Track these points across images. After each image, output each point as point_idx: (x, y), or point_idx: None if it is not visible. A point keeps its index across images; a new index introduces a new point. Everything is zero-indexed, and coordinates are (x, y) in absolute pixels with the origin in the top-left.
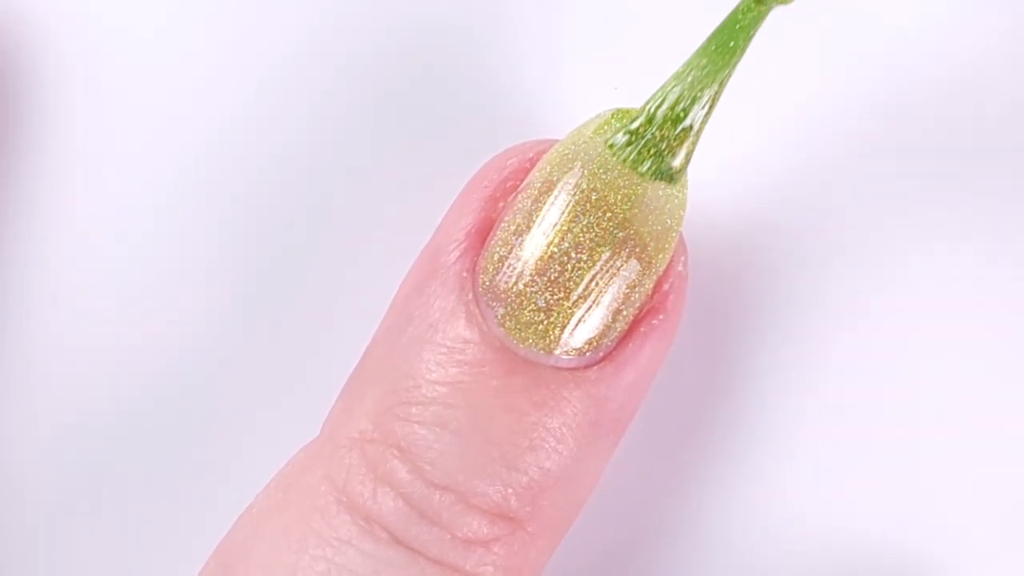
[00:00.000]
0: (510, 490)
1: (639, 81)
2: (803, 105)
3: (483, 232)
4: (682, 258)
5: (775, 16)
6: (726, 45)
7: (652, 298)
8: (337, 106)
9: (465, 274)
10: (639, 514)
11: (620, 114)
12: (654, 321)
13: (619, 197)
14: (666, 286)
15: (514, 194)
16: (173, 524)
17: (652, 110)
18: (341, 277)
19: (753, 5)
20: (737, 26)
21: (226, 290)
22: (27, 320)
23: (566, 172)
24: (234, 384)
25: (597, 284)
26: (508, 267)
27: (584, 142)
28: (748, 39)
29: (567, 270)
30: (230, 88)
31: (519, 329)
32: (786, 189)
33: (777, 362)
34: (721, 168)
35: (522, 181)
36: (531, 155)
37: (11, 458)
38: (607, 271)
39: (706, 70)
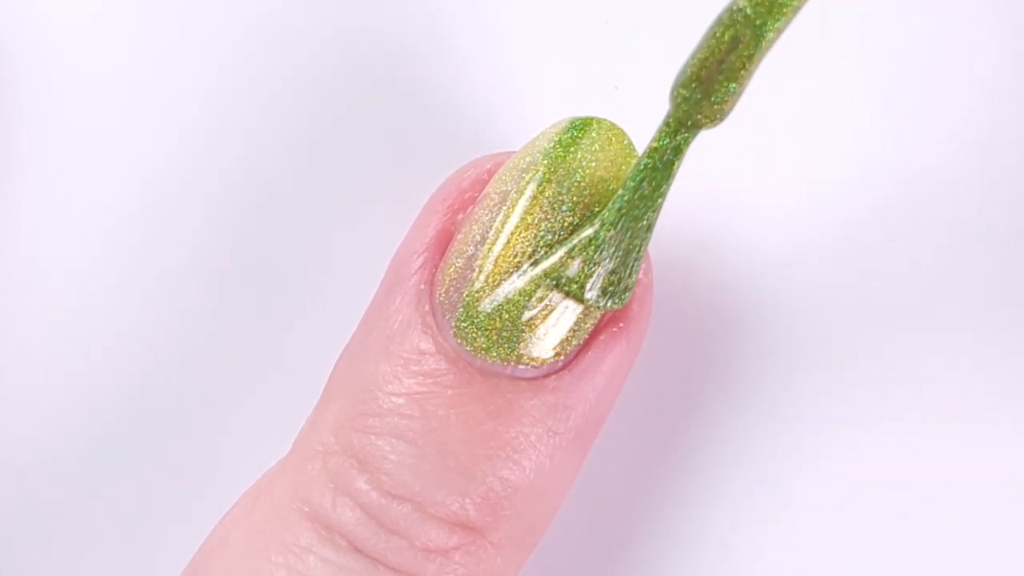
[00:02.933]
0: (467, 499)
1: (639, 81)
2: (768, 107)
3: (442, 244)
4: (643, 266)
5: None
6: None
7: None
8: (316, 113)
9: (423, 286)
10: (618, 520)
11: (577, 123)
12: (614, 329)
13: None
14: None
15: (471, 206)
16: (160, 527)
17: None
18: (330, 285)
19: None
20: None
21: (216, 296)
22: (11, 321)
23: (521, 183)
24: (223, 389)
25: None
26: (463, 278)
27: (539, 152)
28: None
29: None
30: (208, 96)
31: (475, 339)
32: (753, 193)
33: (754, 365)
34: (685, 174)
35: (480, 192)
36: (489, 166)
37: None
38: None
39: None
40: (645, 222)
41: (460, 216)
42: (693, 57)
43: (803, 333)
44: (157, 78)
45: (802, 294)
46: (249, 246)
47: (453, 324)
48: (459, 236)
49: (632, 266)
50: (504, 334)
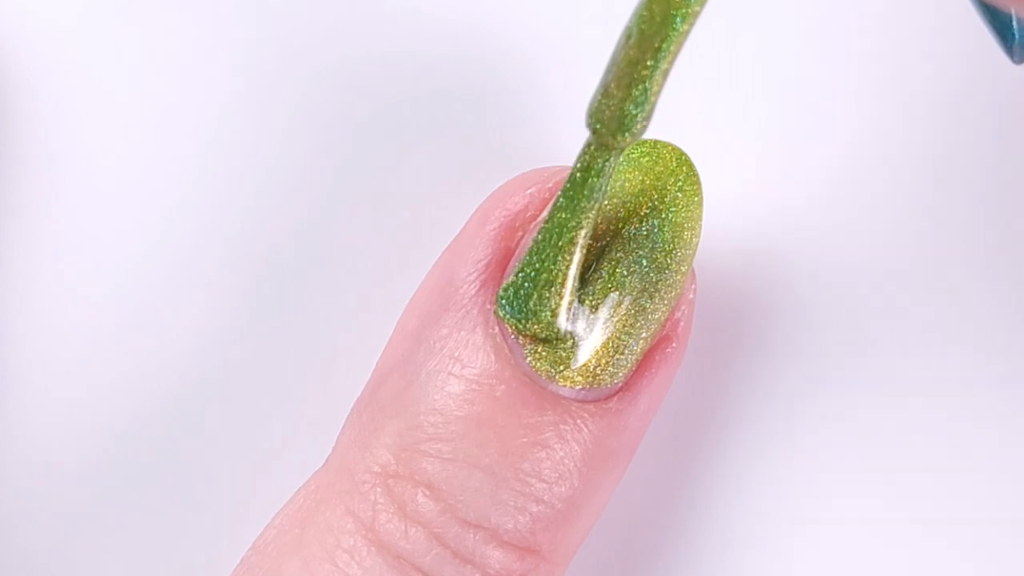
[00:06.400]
0: (539, 524)
1: None
2: (804, 127)
3: (502, 263)
4: (692, 286)
5: (776, 39)
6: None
7: (665, 326)
8: (335, 120)
9: (489, 306)
10: (640, 530)
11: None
12: (667, 350)
13: None
14: (678, 314)
15: (534, 224)
16: (173, 532)
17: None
18: (350, 288)
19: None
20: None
21: (233, 299)
22: (34, 324)
23: None
24: (237, 394)
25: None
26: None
27: None
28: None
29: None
30: (236, 96)
31: (548, 363)
32: (787, 212)
33: (780, 380)
34: (723, 194)
35: (542, 210)
36: (551, 184)
37: (15, 459)
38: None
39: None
40: (564, 238)
41: (520, 234)
42: (600, 87)
43: (818, 337)
44: (189, 88)
45: (819, 299)
46: (267, 256)
47: (527, 349)
48: (525, 258)
49: (543, 286)
50: (577, 359)
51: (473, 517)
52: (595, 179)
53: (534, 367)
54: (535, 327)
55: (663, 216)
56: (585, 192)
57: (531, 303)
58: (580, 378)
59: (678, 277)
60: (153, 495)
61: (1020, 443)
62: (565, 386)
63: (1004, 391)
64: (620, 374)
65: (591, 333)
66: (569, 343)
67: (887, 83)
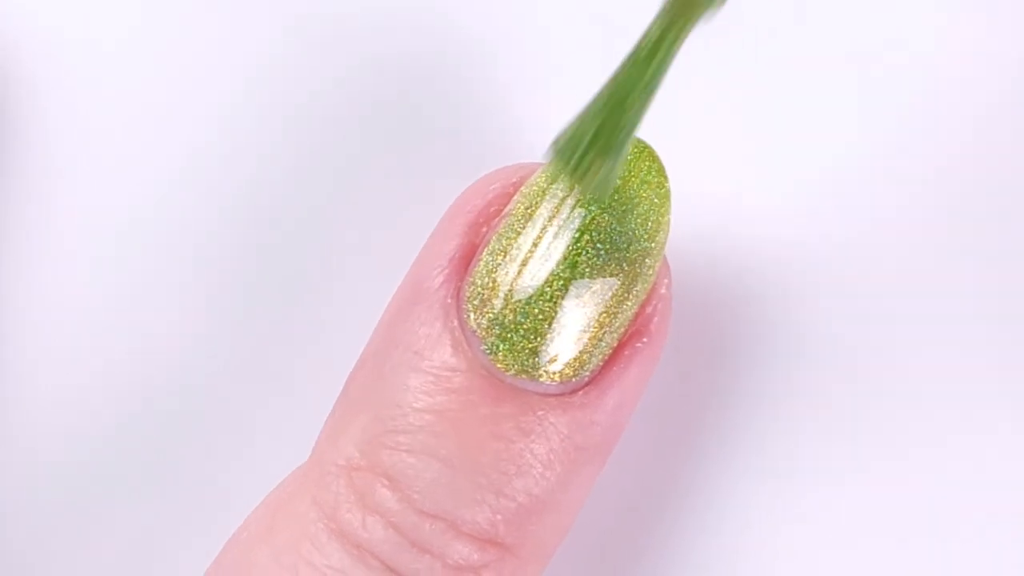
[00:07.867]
0: (499, 517)
1: None
2: (788, 120)
3: (466, 258)
4: (665, 280)
5: (762, 27)
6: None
7: (636, 321)
8: (325, 119)
9: (450, 300)
10: (626, 530)
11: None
12: (638, 344)
13: None
14: (649, 309)
15: (497, 219)
16: (162, 532)
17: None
18: (348, 288)
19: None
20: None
21: (231, 299)
22: (32, 324)
23: (548, 199)
24: (233, 394)
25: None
26: (492, 294)
27: None
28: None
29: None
30: (235, 96)
31: (505, 356)
32: (771, 207)
33: (769, 379)
34: (703, 190)
35: (505, 206)
36: (515, 180)
37: (9, 457)
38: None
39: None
40: (623, 100)
41: (484, 230)
42: None
43: (811, 336)
44: (188, 89)
45: (810, 297)
46: (260, 254)
47: (484, 341)
48: (486, 252)
49: (606, 150)
50: (534, 351)
51: (431, 508)
52: (670, 45)
53: (492, 359)
54: (581, 174)
55: (625, 208)
56: (658, 57)
57: (582, 155)
58: (536, 370)
59: (645, 271)
60: (148, 494)
61: (1019, 444)
62: (520, 377)
63: (1002, 390)
64: (579, 367)
65: (548, 326)
66: (527, 335)
67: (879, 80)
